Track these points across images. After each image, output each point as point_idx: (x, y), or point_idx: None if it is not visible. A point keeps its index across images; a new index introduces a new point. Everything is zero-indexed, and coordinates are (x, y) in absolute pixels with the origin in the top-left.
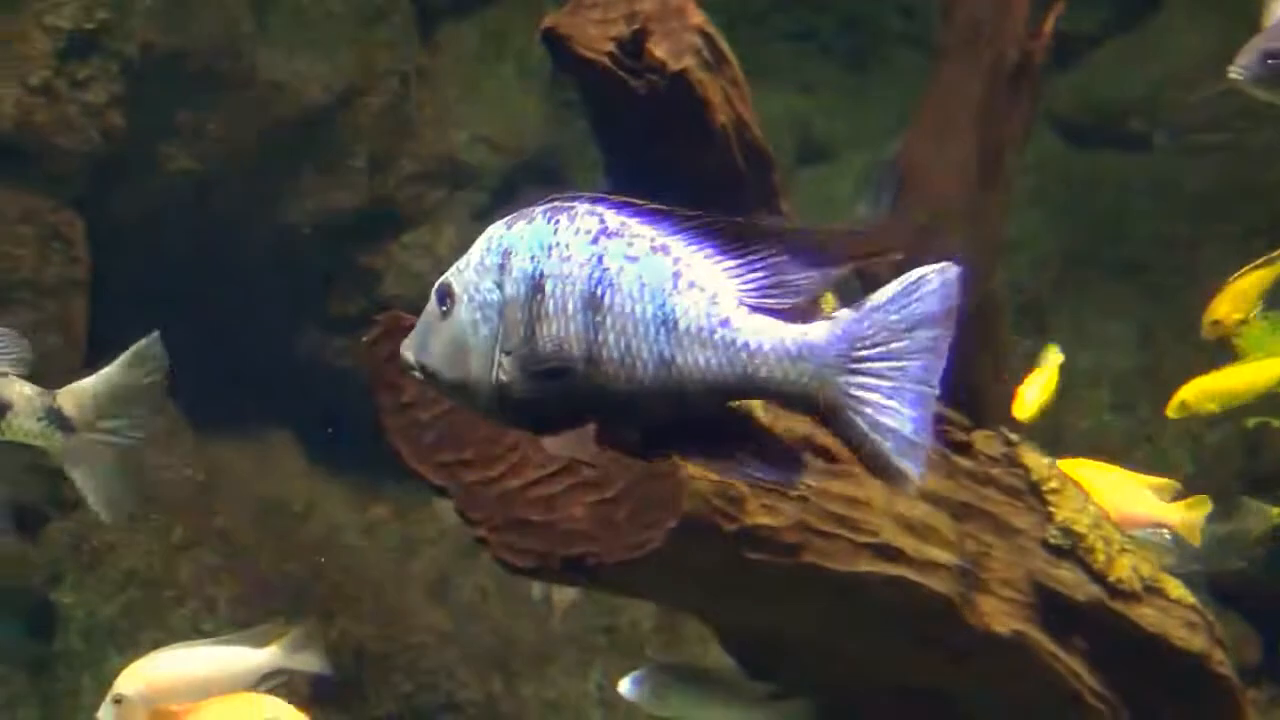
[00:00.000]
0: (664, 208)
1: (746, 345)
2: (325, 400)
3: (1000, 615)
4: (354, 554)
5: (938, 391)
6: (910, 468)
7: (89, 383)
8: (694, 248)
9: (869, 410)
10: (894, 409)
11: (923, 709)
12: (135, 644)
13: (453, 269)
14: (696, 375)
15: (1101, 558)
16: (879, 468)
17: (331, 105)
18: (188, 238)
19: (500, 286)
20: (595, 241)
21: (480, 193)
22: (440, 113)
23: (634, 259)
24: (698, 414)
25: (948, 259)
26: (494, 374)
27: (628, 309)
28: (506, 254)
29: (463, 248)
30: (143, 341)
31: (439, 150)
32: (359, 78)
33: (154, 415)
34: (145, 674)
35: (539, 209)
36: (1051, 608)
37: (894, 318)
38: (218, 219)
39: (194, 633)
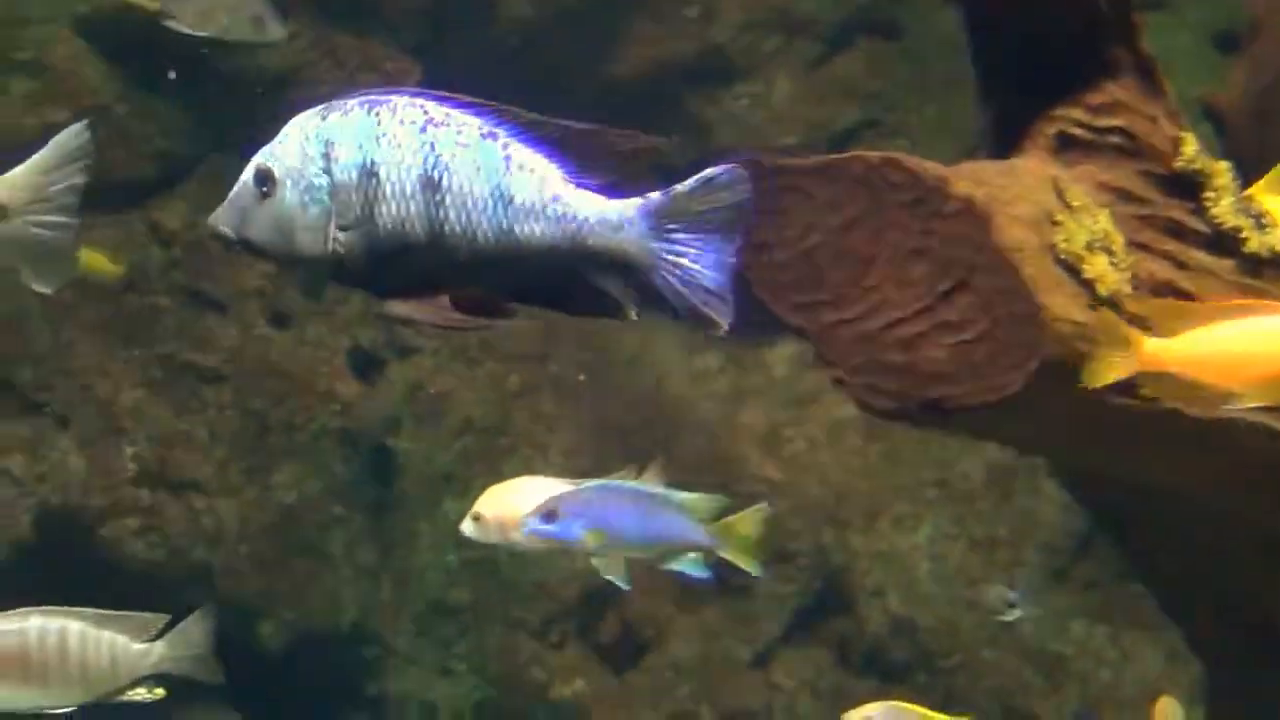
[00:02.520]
0: (480, 100)
1: (575, 217)
2: None
3: None
4: (683, 403)
5: (736, 263)
6: (718, 314)
7: (19, 171)
8: (515, 136)
9: (679, 270)
10: (699, 270)
11: None
12: (469, 490)
13: (265, 154)
14: (534, 244)
15: None
16: (691, 317)
17: None
18: (519, 86)
19: (328, 173)
20: (424, 130)
21: (814, 42)
22: None
23: (466, 145)
24: (533, 272)
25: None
26: (329, 246)
27: (466, 188)
28: (329, 144)
29: (795, 99)
30: (71, 129)
31: None
32: None
33: (79, 197)
34: (503, 497)
35: (353, 102)
36: None
37: (696, 205)
38: (549, 67)
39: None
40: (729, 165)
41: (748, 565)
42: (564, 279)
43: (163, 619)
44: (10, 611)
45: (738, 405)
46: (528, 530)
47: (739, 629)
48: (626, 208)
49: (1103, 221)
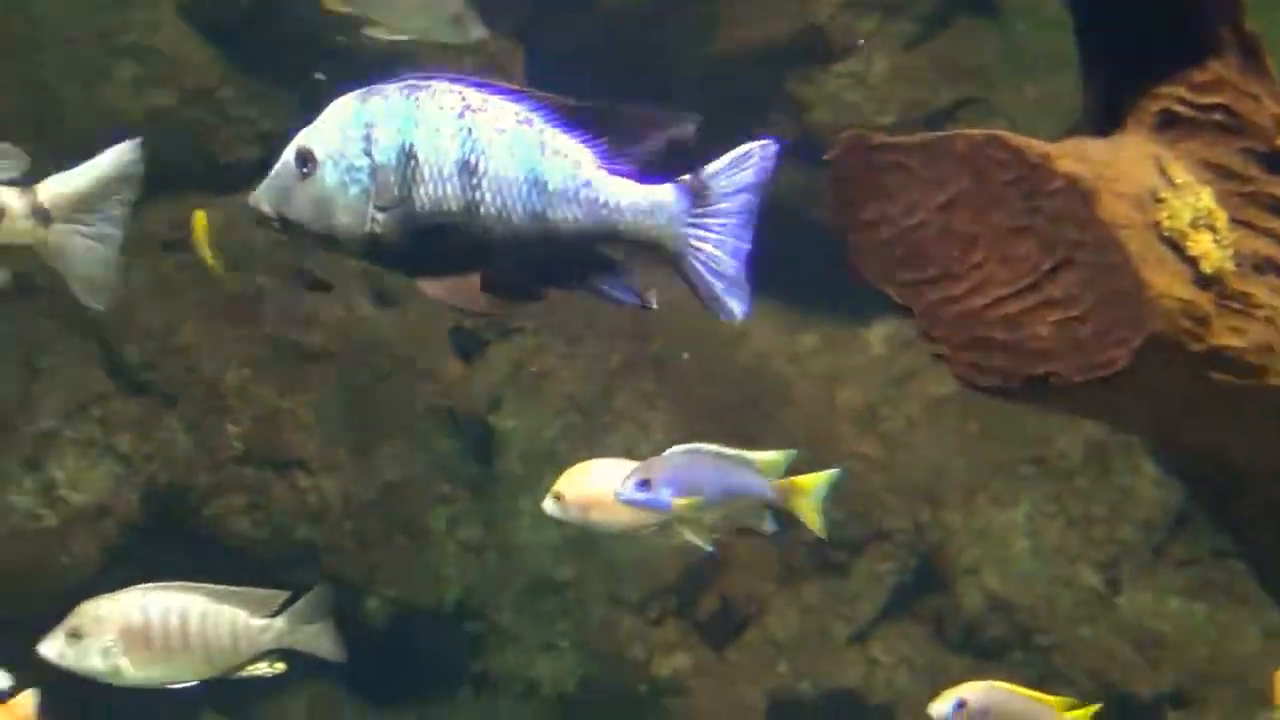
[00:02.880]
0: (518, 87)
1: (607, 203)
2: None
3: None
4: (783, 382)
5: (750, 246)
6: (737, 304)
7: (66, 177)
8: (551, 121)
9: (704, 256)
10: (722, 257)
11: None
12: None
13: (307, 136)
14: (566, 227)
15: None
16: (712, 303)
17: None
18: (621, 69)
19: (368, 154)
20: (462, 116)
21: (911, 22)
22: None
23: (502, 130)
24: (564, 255)
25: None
26: (367, 226)
27: (501, 173)
28: (369, 126)
29: (894, 78)
30: (124, 144)
31: None
32: None
33: (127, 212)
34: (583, 477)
35: (395, 87)
36: None
37: (723, 184)
38: (648, 50)
39: (628, 458)
40: (763, 143)
41: (813, 523)
42: (595, 263)
43: (281, 595)
44: (132, 587)
45: (836, 384)
46: (623, 498)
47: (837, 606)
48: (658, 193)
49: (1206, 199)
